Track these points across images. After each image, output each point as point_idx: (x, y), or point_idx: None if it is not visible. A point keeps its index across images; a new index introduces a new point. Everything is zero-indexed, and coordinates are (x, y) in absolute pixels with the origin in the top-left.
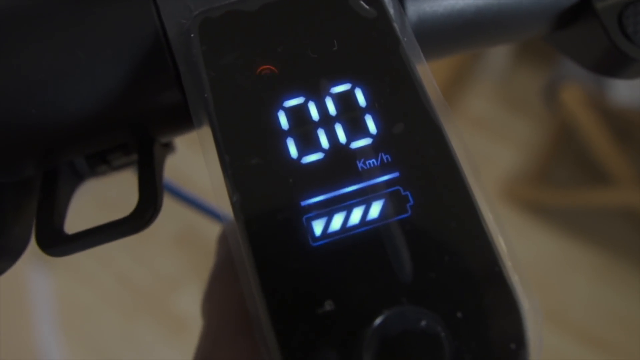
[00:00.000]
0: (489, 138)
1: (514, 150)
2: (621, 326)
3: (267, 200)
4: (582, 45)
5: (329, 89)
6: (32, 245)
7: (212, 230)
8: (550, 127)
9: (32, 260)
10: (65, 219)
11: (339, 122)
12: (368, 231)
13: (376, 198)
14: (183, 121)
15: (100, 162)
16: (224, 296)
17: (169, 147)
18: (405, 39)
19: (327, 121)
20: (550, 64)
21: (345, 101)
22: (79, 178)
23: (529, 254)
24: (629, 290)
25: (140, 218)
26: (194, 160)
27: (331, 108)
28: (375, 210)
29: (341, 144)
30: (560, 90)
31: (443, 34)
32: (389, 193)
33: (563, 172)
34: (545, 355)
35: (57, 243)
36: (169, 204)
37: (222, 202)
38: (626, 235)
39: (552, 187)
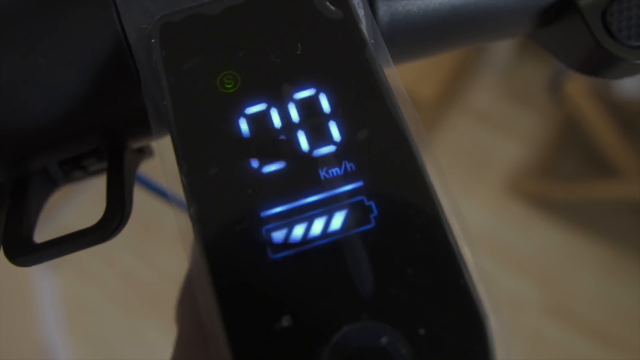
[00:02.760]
0: (494, 132)
1: (519, 144)
2: (626, 320)
3: (225, 211)
4: (566, 44)
5: (292, 94)
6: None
7: None
8: (555, 120)
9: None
10: (35, 227)
11: (302, 129)
12: (329, 243)
13: (339, 208)
14: (149, 127)
15: (74, 168)
16: (194, 304)
17: (143, 153)
18: (373, 41)
19: (289, 128)
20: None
21: (309, 107)
22: (52, 184)
23: (534, 247)
24: (634, 283)
25: (107, 227)
26: None
27: (294, 114)
28: (337, 221)
29: (303, 152)
30: (565, 83)
31: (418, 34)
32: (352, 203)
33: (568, 165)
34: (550, 350)
35: (23, 253)
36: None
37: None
38: (632, 228)
39: (557, 180)
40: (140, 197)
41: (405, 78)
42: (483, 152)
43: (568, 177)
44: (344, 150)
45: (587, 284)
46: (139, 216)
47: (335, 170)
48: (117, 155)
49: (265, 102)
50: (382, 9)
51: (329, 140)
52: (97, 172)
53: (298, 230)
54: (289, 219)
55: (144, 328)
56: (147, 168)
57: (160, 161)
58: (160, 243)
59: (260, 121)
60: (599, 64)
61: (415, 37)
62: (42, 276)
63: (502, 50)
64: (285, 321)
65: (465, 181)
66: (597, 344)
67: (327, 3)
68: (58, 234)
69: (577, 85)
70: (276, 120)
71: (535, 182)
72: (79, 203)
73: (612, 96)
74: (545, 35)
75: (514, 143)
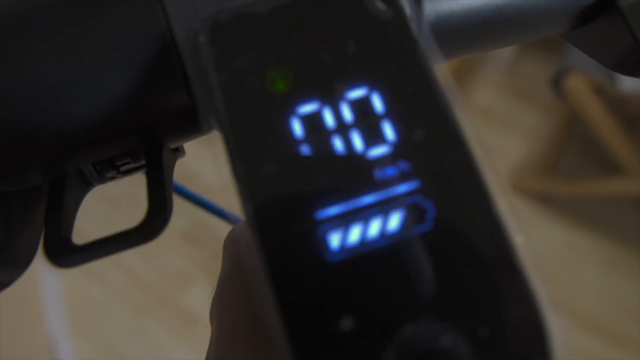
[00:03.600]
0: (497, 128)
1: (522, 141)
2: (630, 316)
3: (281, 212)
4: (603, 43)
5: (345, 94)
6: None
7: (220, 227)
8: (559, 117)
9: (42, 258)
10: (73, 228)
11: (356, 129)
12: (387, 244)
13: (395, 209)
14: (193, 126)
15: (108, 168)
16: (235, 301)
17: (178, 152)
18: (423, 40)
19: (342, 128)
20: (557, 53)
21: (362, 107)
22: (87, 184)
23: (538, 244)
24: (638, 279)
25: (150, 227)
26: (202, 157)
27: (347, 114)
28: (394, 222)
29: (358, 153)
30: (568, 79)
31: (461, 34)
32: (409, 204)
33: (571, 162)
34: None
35: (66, 254)
36: (177, 201)
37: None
38: (635, 224)
39: (560, 176)
40: (144, 198)
41: None
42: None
43: (571, 173)
44: (399, 151)
45: (591, 280)
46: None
47: (390, 171)
48: (156, 154)
49: (318, 101)
50: (429, 9)
51: (383, 140)
52: (129, 172)
53: (355, 232)
54: (346, 220)
55: (148, 327)
56: None
57: (214, 162)
58: (165, 242)
59: (313, 121)
60: (637, 63)
61: (458, 36)
62: (47, 275)
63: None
64: (347, 323)
65: None
66: (600, 340)
67: (377, 2)
68: None
69: (580, 82)
70: (329, 120)
71: (538, 179)
72: (83, 203)
73: (615, 92)
74: (581, 34)
75: (517, 140)
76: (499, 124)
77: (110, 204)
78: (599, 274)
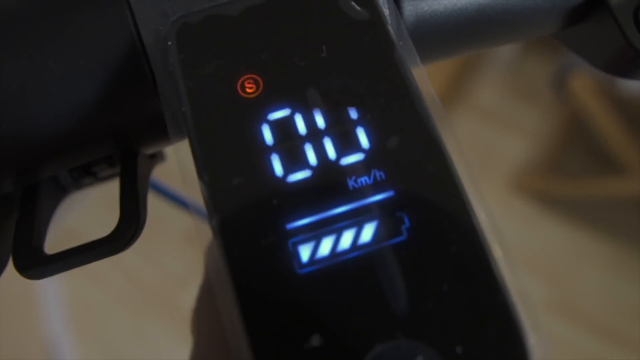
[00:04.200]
0: (498, 129)
1: (524, 141)
2: (632, 317)
3: (249, 224)
4: (594, 44)
5: (318, 100)
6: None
7: None
8: (560, 117)
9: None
10: (45, 237)
11: (328, 136)
12: (359, 257)
13: (368, 220)
14: (165, 132)
15: (84, 175)
16: (214, 312)
17: (156, 158)
18: (401, 43)
19: (315, 135)
20: (559, 52)
21: (335, 113)
22: (62, 191)
23: (539, 244)
24: None
25: (121, 238)
26: None
27: (320, 121)
28: (367, 233)
29: (330, 161)
30: (570, 79)
31: (444, 35)
32: (383, 214)
33: (573, 162)
34: (555, 347)
35: (35, 264)
36: None
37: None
38: (637, 225)
39: (562, 177)
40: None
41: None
42: (487, 150)
43: (573, 174)
44: (373, 159)
45: (593, 281)
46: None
47: (364, 180)
48: (130, 161)
49: (290, 107)
50: (408, 9)
51: (357, 147)
52: (107, 178)
53: (326, 243)
54: (316, 232)
55: (149, 328)
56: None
57: (179, 169)
58: (165, 243)
59: (284, 128)
60: (629, 64)
61: (441, 37)
62: None
63: (506, 46)
64: (315, 340)
65: None
66: (602, 341)
67: (353, 3)
68: (63, 236)
69: (582, 82)
70: (301, 126)
71: (540, 179)
72: (83, 204)
73: (617, 92)
74: (571, 34)
75: (519, 140)
76: (501, 124)
77: (110, 204)
78: (601, 274)
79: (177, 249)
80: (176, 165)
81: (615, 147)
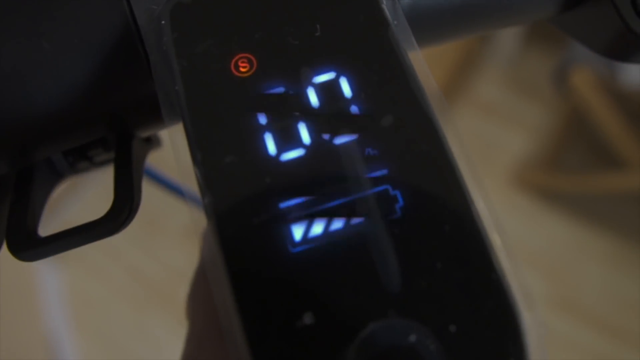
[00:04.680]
0: (499, 123)
1: (525, 136)
2: (633, 312)
3: (241, 202)
4: (592, 28)
5: (311, 78)
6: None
7: None
8: (561, 112)
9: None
10: (39, 220)
11: (322, 115)
12: (353, 235)
13: (362, 199)
14: (159, 113)
15: (80, 159)
16: (208, 296)
17: (151, 142)
18: (396, 23)
19: (308, 114)
20: (560, 47)
21: (329, 92)
22: (58, 176)
23: (540, 240)
24: None
25: (115, 220)
26: None
27: (313, 99)
28: (361, 212)
29: (324, 139)
30: (571, 74)
31: (440, 17)
32: (377, 193)
33: (574, 157)
34: (557, 343)
35: (29, 246)
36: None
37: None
38: (638, 220)
39: (563, 172)
40: (145, 191)
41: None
42: (488, 145)
43: (574, 169)
44: (367, 137)
45: (594, 276)
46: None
47: (358, 158)
48: (125, 144)
49: (283, 86)
50: None
51: (351, 126)
52: (103, 163)
53: (319, 222)
54: (309, 210)
55: (150, 323)
56: (155, 160)
57: (173, 151)
58: (166, 237)
59: (277, 107)
60: (628, 48)
61: (437, 19)
62: (47, 271)
63: (507, 41)
64: (308, 318)
65: None
66: (604, 337)
67: None
68: (63, 228)
69: (583, 77)
70: (294, 105)
71: (541, 175)
72: (84, 197)
73: (618, 87)
74: (569, 19)
75: (520, 135)
76: (502, 118)
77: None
78: (602, 269)
79: (178, 243)
80: (172, 153)
81: (616, 142)
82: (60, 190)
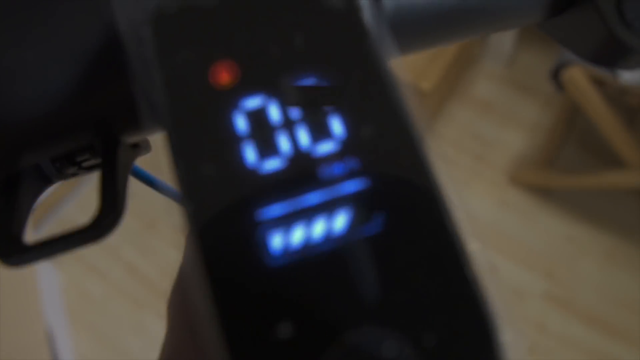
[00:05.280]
0: (496, 121)
1: (522, 134)
2: (631, 310)
3: (221, 214)
4: (578, 34)
5: (292, 88)
6: None
7: None
8: (558, 109)
9: None
10: (25, 226)
11: (302, 125)
12: (331, 247)
13: (341, 210)
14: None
15: (67, 164)
16: (187, 306)
17: (139, 148)
18: (377, 31)
19: (288, 125)
20: (556, 45)
21: (309, 103)
22: (45, 181)
23: (536, 237)
24: (638, 273)
25: (99, 227)
26: None
27: (293, 110)
28: (340, 223)
29: (303, 150)
30: (568, 71)
31: (425, 24)
32: (356, 204)
33: (571, 155)
34: (553, 339)
35: (14, 252)
36: None
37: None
38: (635, 217)
39: (560, 170)
40: (143, 191)
41: (405, 67)
42: (485, 142)
43: (571, 166)
44: (347, 148)
45: (590, 274)
46: (142, 209)
47: (338, 169)
48: (111, 151)
49: (263, 96)
50: None
51: (331, 137)
52: (91, 169)
53: (298, 234)
54: (288, 222)
55: (147, 321)
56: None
57: (158, 155)
58: (163, 236)
59: (257, 117)
60: (613, 54)
61: (421, 26)
62: (45, 269)
63: (503, 38)
64: (286, 329)
65: (467, 171)
66: (600, 334)
67: None
68: (58, 227)
69: (579, 74)
70: (274, 116)
71: (537, 172)
72: (79, 196)
73: (615, 84)
74: (555, 25)
75: (516, 132)
76: (498, 116)
77: None
78: (598, 267)
79: (175, 241)
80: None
81: (613, 139)
82: (57, 187)
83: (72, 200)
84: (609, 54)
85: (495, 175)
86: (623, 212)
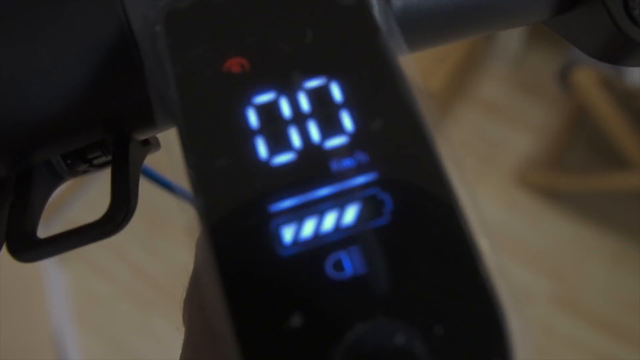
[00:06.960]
0: (503, 123)
1: (529, 135)
2: (637, 312)
3: (233, 206)
4: (585, 31)
5: (302, 83)
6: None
7: None
8: (566, 111)
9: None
10: (39, 222)
11: (313, 119)
12: (342, 238)
13: (351, 202)
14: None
15: (79, 161)
16: (204, 301)
17: (150, 145)
18: (387, 28)
19: (299, 119)
20: (564, 46)
21: (320, 97)
22: (57, 178)
23: (544, 239)
24: None
25: (111, 222)
26: None
27: (304, 104)
28: (350, 215)
29: (314, 144)
30: (575, 73)
31: (432, 21)
32: (366, 196)
33: (578, 157)
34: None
35: (28, 248)
36: None
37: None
38: None
39: (567, 171)
40: (149, 191)
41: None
42: (492, 144)
43: (578, 168)
44: (357, 141)
45: (598, 276)
46: (148, 210)
47: (347, 162)
48: (122, 147)
49: (275, 91)
50: None
51: (341, 130)
52: (102, 166)
53: (309, 225)
54: (299, 213)
55: (154, 322)
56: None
57: (167, 153)
58: (170, 237)
59: (269, 111)
60: (620, 51)
61: (430, 23)
62: (52, 270)
63: (510, 40)
64: (297, 320)
65: (474, 173)
66: (607, 336)
67: None
68: (66, 228)
69: (587, 76)
70: (286, 110)
71: (545, 174)
72: (87, 197)
73: (622, 86)
74: (563, 22)
75: (524, 134)
76: (505, 118)
77: None
78: (605, 269)
79: (182, 242)
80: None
81: (621, 141)
82: (64, 189)
83: (79, 201)
84: (615, 51)
85: (502, 177)
86: (631, 214)
